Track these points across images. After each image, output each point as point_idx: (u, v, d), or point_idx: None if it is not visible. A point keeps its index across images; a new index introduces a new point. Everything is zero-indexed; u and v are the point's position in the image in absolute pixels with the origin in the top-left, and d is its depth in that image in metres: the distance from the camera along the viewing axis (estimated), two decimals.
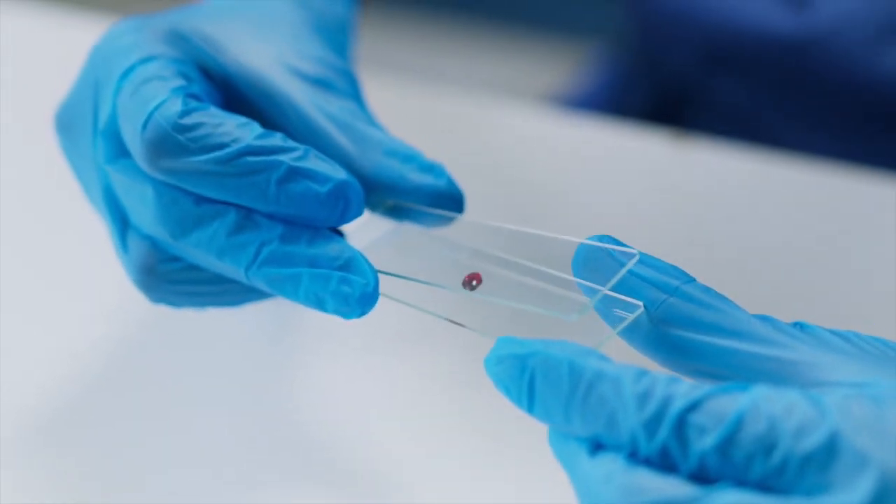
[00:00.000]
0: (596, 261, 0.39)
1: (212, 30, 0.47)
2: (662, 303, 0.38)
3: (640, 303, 0.38)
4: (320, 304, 0.41)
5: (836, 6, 0.75)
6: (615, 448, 0.34)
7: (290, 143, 0.42)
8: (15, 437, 0.55)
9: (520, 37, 1.84)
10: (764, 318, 0.38)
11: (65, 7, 0.91)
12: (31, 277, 0.63)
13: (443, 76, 1.77)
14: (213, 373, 0.58)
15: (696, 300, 0.38)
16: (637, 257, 0.39)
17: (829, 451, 0.33)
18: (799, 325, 0.38)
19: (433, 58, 1.83)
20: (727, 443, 0.33)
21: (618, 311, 0.39)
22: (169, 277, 0.44)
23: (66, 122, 0.47)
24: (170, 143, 0.42)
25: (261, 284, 0.42)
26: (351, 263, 0.41)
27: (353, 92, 0.47)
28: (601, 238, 0.40)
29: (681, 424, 0.34)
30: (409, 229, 0.45)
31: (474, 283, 0.42)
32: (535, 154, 0.70)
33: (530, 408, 0.36)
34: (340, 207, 0.42)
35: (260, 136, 0.42)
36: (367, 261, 0.42)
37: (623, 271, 0.39)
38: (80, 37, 0.79)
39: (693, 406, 0.34)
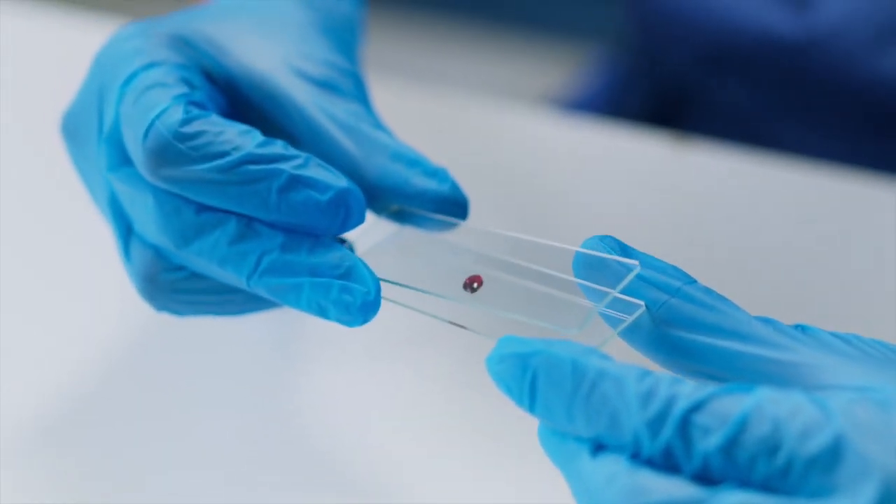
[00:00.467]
0: (597, 263, 0.39)
1: (216, 32, 0.46)
2: (664, 304, 0.38)
3: (642, 303, 0.38)
4: (323, 313, 0.41)
5: (836, 8, 0.75)
6: (617, 448, 0.34)
7: (292, 151, 0.42)
8: (16, 437, 0.55)
9: (519, 39, 1.84)
10: (765, 321, 0.38)
11: (65, 8, 0.91)
12: (32, 278, 0.63)
13: (442, 78, 1.77)
14: (216, 375, 0.58)
15: (697, 301, 0.38)
16: (637, 269, 0.39)
17: (833, 454, 0.33)
18: (800, 328, 0.38)
19: (432, 59, 1.83)
20: (731, 444, 0.33)
21: (619, 311, 0.39)
22: (172, 286, 0.44)
23: (72, 129, 0.47)
24: (171, 152, 0.42)
25: (263, 293, 0.42)
26: (352, 272, 0.41)
27: (359, 94, 0.47)
28: (603, 239, 0.40)
29: (685, 425, 0.33)
30: (412, 232, 0.45)
31: (475, 285, 0.42)
32: (534, 156, 0.70)
33: (532, 407, 0.36)
34: (341, 216, 0.42)
35: (261, 145, 0.42)
36: (368, 269, 0.41)
37: (623, 284, 0.39)
38: (81, 37, 0.79)
39: (697, 406, 0.34)
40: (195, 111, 0.42)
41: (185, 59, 0.45)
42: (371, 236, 0.45)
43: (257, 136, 0.42)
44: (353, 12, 0.51)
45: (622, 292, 0.39)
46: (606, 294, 0.39)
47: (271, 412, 0.56)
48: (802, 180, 0.68)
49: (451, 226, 0.44)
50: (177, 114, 0.42)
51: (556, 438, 0.36)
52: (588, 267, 0.40)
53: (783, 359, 0.37)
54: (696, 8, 0.80)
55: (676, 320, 0.38)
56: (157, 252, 0.44)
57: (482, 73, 1.80)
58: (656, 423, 0.34)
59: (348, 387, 0.57)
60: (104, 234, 0.58)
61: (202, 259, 0.42)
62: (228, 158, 0.41)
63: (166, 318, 0.58)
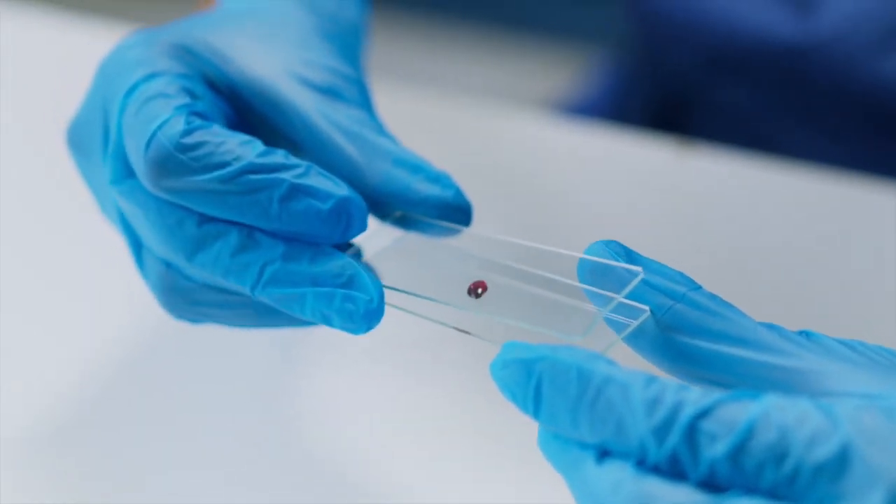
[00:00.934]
0: (602, 270, 0.39)
1: (218, 40, 0.46)
2: (668, 309, 0.38)
3: (647, 308, 0.38)
4: (327, 321, 0.41)
5: (838, 11, 0.75)
6: (622, 455, 0.34)
7: (293, 161, 0.42)
8: (16, 437, 0.55)
9: (521, 42, 1.84)
10: (770, 327, 0.38)
11: (65, 10, 0.91)
12: (32, 278, 0.63)
13: (445, 82, 1.77)
14: (217, 377, 0.58)
15: (702, 307, 0.38)
16: (641, 276, 0.39)
17: (840, 463, 0.32)
18: (805, 334, 0.38)
19: (435, 63, 1.83)
20: (738, 451, 0.33)
21: (623, 317, 0.39)
22: (188, 298, 0.44)
23: (78, 140, 0.47)
24: (172, 163, 0.42)
25: (268, 303, 0.42)
26: (354, 280, 0.41)
27: (362, 100, 0.46)
28: (609, 244, 0.39)
29: (691, 431, 0.33)
30: (416, 237, 0.45)
31: (479, 290, 0.42)
32: (537, 160, 0.70)
33: (536, 413, 0.36)
34: (343, 224, 0.42)
35: (262, 154, 0.42)
36: (370, 276, 0.41)
37: (627, 290, 0.38)
38: (81, 39, 0.79)
39: (704, 413, 0.33)
40: (197, 122, 0.42)
41: (188, 68, 0.45)
42: (376, 241, 0.45)
43: (258, 146, 0.42)
44: (358, 17, 0.51)
45: (627, 298, 0.39)
46: (611, 300, 0.39)
47: (272, 414, 0.56)
48: (804, 183, 0.68)
49: (455, 232, 0.44)
50: (178, 124, 0.42)
51: (558, 444, 0.36)
52: (593, 273, 0.39)
53: (788, 365, 0.37)
54: (698, 11, 0.80)
55: (681, 326, 0.38)
56: (169, 264, 0.44)
57: (485, 77, 1.80)
58: (662, 430, 0.34)
59: (350, 390, 0.57)
60: (104, 234, 0.58)
61: (206, 272, 0.42)
62: (229, 168, 0.41)
63: (167, 320, 0.58)
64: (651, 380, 0.34)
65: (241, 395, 0.57)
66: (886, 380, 0.36)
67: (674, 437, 0.33)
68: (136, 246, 0.45)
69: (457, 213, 0.44)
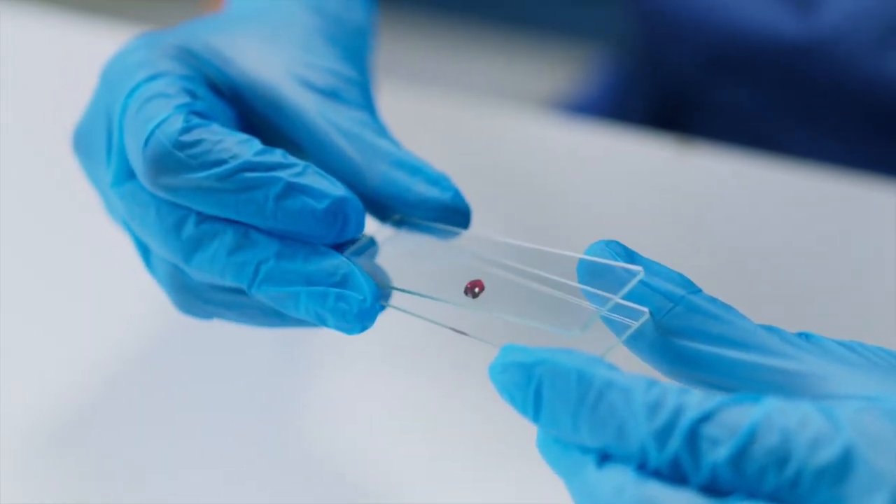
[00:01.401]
0: (601, 270, 0.39)
1: (220, 43, 0.46)
2: (668, 312, 0.38)
3: (646, 309, 0.38)
4: (322, 321, 0.42)
5: (839, 9, 0.75)
6: (624, 459, 0.34)
7: (290, 160, 0.42)
8: (16, 437, 0.55)
9: (522, 41, 1.84)
10: (769, 329, 0.38)
11: (65, 8, 0.91)
12: (32, 278, 0.63)
13: (445, 80, 1.77)
14: (218, 377, 0.58)
15: (702, 310, 0.38)
16: (641, 275, 0.38)
17: (843, 466, 0.32)
18: (804, 336, 0.38)
19: (434, 62, 1.83)
20: (740, 455, 0.33)
21: (623, 318, 0.39)
22: (200, 295, 0.44)
23: (83, 145, 0.47)
24: (170, 161, 0.42)
25: (265, 301, 0.42)
26: (348, 279, 0.41)
27: (364, 102, 0.46)
28: (609, 244, 0.39)
29: (693, 436, 0.33)
30: (413, 237, 0.45)
31: (476, 290, 0.42)
32: (537, 159, 0.70)
33: (536, 416, 0.35)
34: (339, 224, 0.42)
35: (259, 153, 0.42)
36: (364, 276, 0.41)
37: (626, 289, 0.38)
38: (80, 40, 0.79)
39: (705, 417, 0.33)
40: (195, 120, 0.43)
41: (189, 69, 0.45)
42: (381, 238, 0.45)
43: (256, 145, 0.42)
44: (364, 19, 0.51)
45: (626, 298, 0.39)
46: (609, 299, 0.38)
47: (272, 414, 0.56)
48: (805, 182, 0.68)
49: (454, 234, 0.44)
50: (177, 123, 0.42)
51: (558, 448, 0.35)
52: (592, 273, 0.39)
53: (788, 368, 0.37)
54: (699, 9, 0.80)
55: (680, 329, 0.38)
56: (175, 264, 0.44)
57: (485, 76, 1.80)
58: (664, 434, 0.33)
59: (350, 390, 0.57)
60: (105, 234, 0.58)
61: (205, 271, 0.43)
62: (226, 166, 0.42)
63: (168, 319, 0.58)
64: (652, 383, 0.34)
65: (241, 395, 0.57)
66: (886, 381, 0.36)
67: (675, 442, 0.33)
68: (144, 248, 0.46)
69: (455, 215, 0.44)
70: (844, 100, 0.77)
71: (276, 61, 0.46)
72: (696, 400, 0.34)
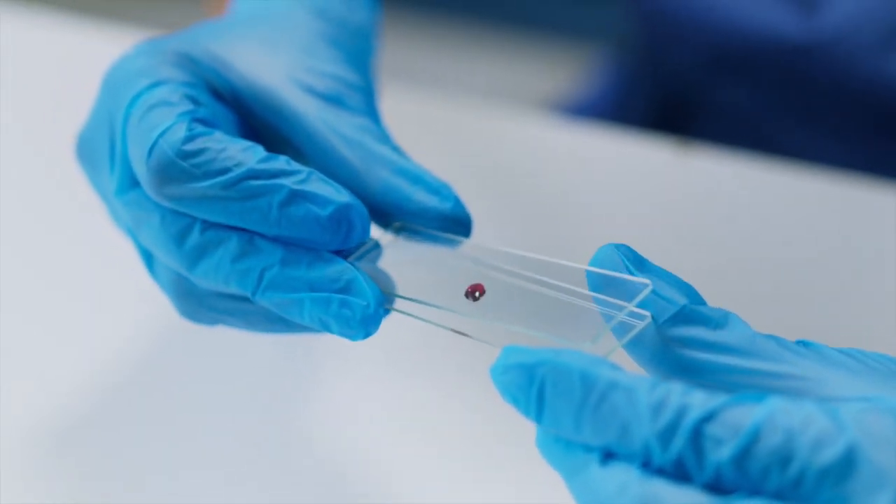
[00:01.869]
0: (608, 281, 0.39)
1: (221, 48, 0.46)
2: (669, 319, 0.38)
3: (648, 313, 0.38)
4: (326, 327, 0.42)
5: (841, 10, 0.75)
6: (627, 458, 0.34)
7: (295, 167, 0.42)
8: (17, 437, 0.55)
9: (521, 42, 1.84)
10: (768, 337, 0.38)
11: (65, 9, 0.91)
12: (32, 278, 0.63)
13: (445, 82, 1.77)
14: (218, 379, 0.58)
15: (702, 319, 0.38)
16: (649, 288, 0.39)
17: (847, 465, 0.33)
18: (803, 343, 0.38)
19: (433, 63, 1.83)
20: (743, 455, 0.33)
21: (624, 319, 0.39)
22: (204, 302, 0.45)
23: (86, 153, 0.47)
24: (174, 170, 0.42)
25: (270, 308, 0.42)
26: (351, 286, 0.41)
27: (366, 107, 0.46)
28: (619, 247, 0.39)
29: (696, 435, 0.33)
30: (415, 241, 0.45)
31: (477, 293, 0.42)
32: (538, 161, 0.70)
33: (539, 417, 0.35)
34: (343, 230, 0.42)
35: (263, 160, 0.42)
36: (368, 281, 0.41)
37: (635, 301, 0.38)
38: (80, 41, 0.79)
39: (709, 417, 0.33)
40: (199, 128, 0.43)
41: (191, 76, 0.45)
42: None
43: (259, 152, 0.42)
44: (368, 21, 0.51)
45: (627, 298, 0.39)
46: (617, 309, 0.38)
47: (273, 415, 0.56)
48: (806, 184, 0.68)
49: (455, 243, 0.44)
50: (180, 131, 0.42)
51: (559, 447, 0.36)
52: (602, 282, 0.39)
53: (787, 373, 0.37)
54: (701, 10, 0.79)
55: (680, 337, 0.38)
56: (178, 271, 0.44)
57: (485, 77, 1.80)
58: (667, 434, 0.34)
59: (350, 391, 0.57)
60: (105, 235, 0.58)
61: (210, 279, 0.43)
62: (230, 174, 0.42)
63: (169, 320, 0.58)
64: (655, 383, 0.34)
65: (242, 396, 0.57)
66: (885, 384, 0.36)
67: (679, 441, 0.33)
68: (147, 255, 0.46)
69: (455, 225, 0.44)
70: (846, 101, 0.77)
71: (278, 66, 0.46)
72: (700, 399, 0.34)
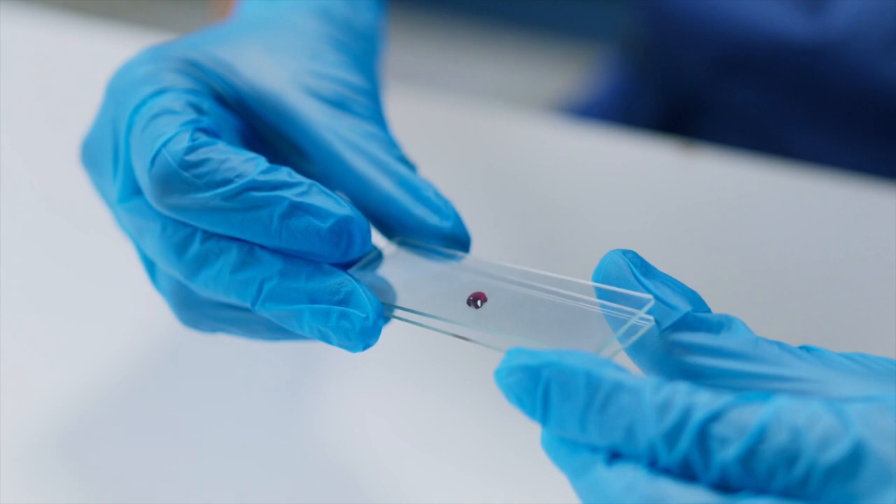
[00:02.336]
0: (611, 295, 0.39)
1: (226, 53, 0.47)
2: (672, 325, 0.38)
3: (651, 317, 0.38)
4: (325, 339, 0.42)
5: (850, 11, 0.75)
6: (633, 458, 0.34)
7: (296, 178, 0.42)
8: (18, 439, 0.54)
9: (526, 43, 1.84)
10: (771, 342, 0.38)
11: (64, 10, 0.91)
12: (35, 281, 0.63)
13: (448, 83, 1.77)
14: (221, 379, 0.58)
15: (705, 326, 0.38)
16: (651, 303, 0.38)
17: (854, 462, 0.33)
18: (805, 349, 0.38)
19: (438, 65, 1.83)
20: (750, 454, 0.33)
21: (627, 326, 0.39)
22: (204, 312, 0.45)
23: (91, 159, 0.47)
24: (176, 180, 0.42)
25: (270, 318, 0.42)
26: (350, 297, 0.41)
27: (372, 112, 0.46)
28: (626, 253, 0.39)
29: (702, 435, 0.33)
30: (417, 253, 0.45)
31: (479, 301, 0.42)
32: (543, 163, 0.70)
33: (544, 419, 0.35)
34: (343, 244, 0.42)
35: (265, 171, 0.42)
36: (367, 293, 0.41)
37: (634, 318, 0.38)
38: (80, 41, 0.79)
39: (715, 416, 0.34)
40: (202, 139, 0.43)
41: (195, 83, 0.45)
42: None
43: (262, 163, 0.42)
44: (373, 23, 0.51)
45: (629, 301, 0.39)
46: (622, 318, 0.38)
47: (275, 419, 0.56)
48: (814, 186, 0.68)
49: (457, 257, 0.44)
50: (183, 141, 0.42)
51: (565, 448, 0.36)
52: (603, 297, 0.39)
53: (791, 375, 0.37)
54: (709, 11, 0.79)
55: (683, 343, 0.38)
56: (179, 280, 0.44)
57: (490, 79, 1.80)
58: (674, 434, 0.34)
59: (351, 393, 0.57)
60: (109, 236, 0.58)
61: (209, 289, 0.43)
62: (232, 185, 0.42)
63: (171, 327, 0.58)
64: (661, 384, 0.34)
65: (243, 402, 0.57)
66: (890, 385, 0.36)
67: (685, 441, 0.33)
68: (150, 263, 0.46)
69: (454, 243, 0.44)
70: (853, 102, 0.77)
71: (282, 71, 0.46)
72: (706, 399, 0.34)
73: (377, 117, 0.47)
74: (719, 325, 0.38)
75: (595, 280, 0.40)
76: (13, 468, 0.53)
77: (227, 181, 0.42)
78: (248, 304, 0.42)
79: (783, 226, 0.66)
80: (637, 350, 0.39)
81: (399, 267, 0.44)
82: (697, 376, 0.38)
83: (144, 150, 0.43)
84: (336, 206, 0.42)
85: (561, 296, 0.41)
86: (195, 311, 0.45)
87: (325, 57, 0.47)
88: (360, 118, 0.46)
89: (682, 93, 0.86)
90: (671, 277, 0.39)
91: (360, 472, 0.54)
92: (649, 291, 0.39)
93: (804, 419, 0.33)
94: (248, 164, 0.42)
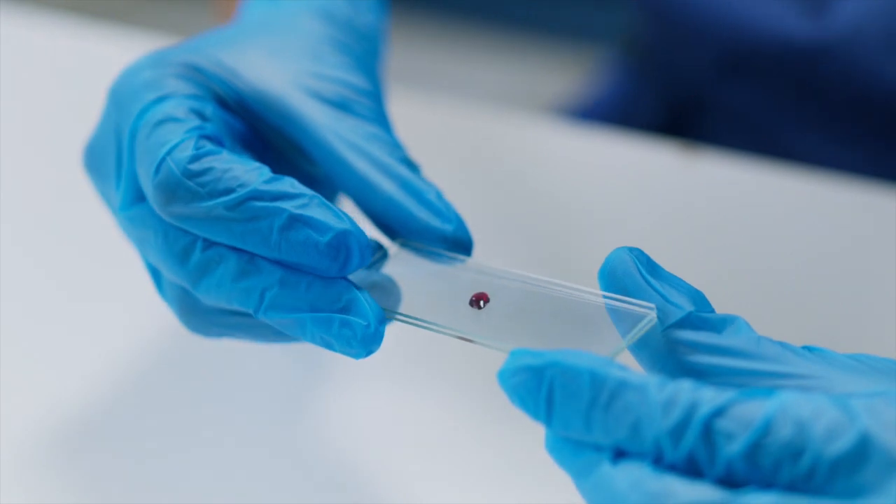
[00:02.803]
0: (622, 279, 0.39)
1: (228, 56, 0.47)
2: (673, 323, 0.38)
3: (654, 316, 0.38)
4: (328, 346, 0.42)
5: (853, 13, 0.75)
6: (639, 456, 0.34)
7: (299, 189, 0.42)
8: (19, 441, 0.54)
9: (527, 45, 1.84)
10: (773, 342, 0.38)
11: (64, 12, 0.91)
12: (39, 280, 0.63)
13: (449, 85, 1.77)
14: (222, 380, 0.58)
15: (708, 325, 0.38)
16: (653, 314, 0.38)
17: (860, 454, 0.33)
18: (808, 349, 0.38)
19: (439, 67, 1.83)
20: (755, 448, 0.33)
21: (630, 325, 0.39)
22: (209, 319, 0.45)
23: (94, 165, 0.47)
24: (180, 189, 0.42)
25: (272, 325, 0.42)
26: (351, 305, 0.41)
27: (376, 113, 0.46)
28: (632, 251, 0.39)
29: (707, 431, 0.33)
30: (420, 256, 0.45)
31: (482, 302, 0.42)
32: (543, 165, 0.70)
33: (548, 419, 0.35)
34: (342, 258, 0.41)
35: (268, 181, 0.42)
36: (368, 300, 0.42)
37: (637, 330, 0.38)
38: (79, 42, 0.79)
39: (719, 411, 0.34)
40: (207, 147, 0.43)
41: (197, 87, 0.45)
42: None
43: (265, 173, 0.42)
44: (375, 23, 0.51)
45: (635, 305, 0.39)
46: (627, 326, 0.38)
47: (277, 420, 0.56)
48: (815, 188, 0.68)
49: (460, 260, 0.44)
50: (187, 150, 0.42)
51: (569, 447, 0.36)
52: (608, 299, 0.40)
53: (793, 373, 0.37)
54: (710, 12, 0.79)
55: (685, 341, 0.38)
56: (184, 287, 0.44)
57: (491, 80, 1.80)
58: (679, 430, 0.34)
59: (352, 394, 0.57)
60: (111, 238, 0.58)
61: (212, 297, 0.43)
62: (234, 195, 0.42)
63: (174, 327, 0.58)
64: (665, 381, 0.35)
65: (246, 403, 0.57)
66: (891, 381, 0.36)
67: (690, 437, 0.34)
68: (155, 271, 0.46)
69: (456, 247, 0.45)
70: (855, 104, 0.77)
71: (285, 73, 0.46)
72: (710, 395, 0.34)
73: (380, 118, 0.47)
74: (722, 323, 0.38)
75: (601, 275, 0.40)
76: (13, 468, 0.53)
77: (230, 190, 0.42)
78: (251, 312, 0.42)
79: (784, 227, 0.66)
80: (640, 348, 0.39)
81: (401, 269, 0.44)
82: (700, 374, 0.38)
83: (148, 159, 0.43)
84: (335, 219, 0.42)
85: (564, 300, 0.41)
86: (201, 318, 0.45)
87: (327, 59, 0.47)
88: (362, 119, 0.46)
89: (683, 94, 0.86)
90: (676, 277, 0.39)
91: (361, 471, 0.54)
92: (655, 290, 0.39)
93: (809, 412, 0.33)
94: (252, 174, 0.42)
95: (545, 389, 0.35)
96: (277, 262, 0.42)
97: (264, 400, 0.57)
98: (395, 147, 0.46)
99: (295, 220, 0.41)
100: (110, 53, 0.49)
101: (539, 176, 0.70)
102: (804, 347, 0.38)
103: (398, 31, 1.85)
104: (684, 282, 0.39)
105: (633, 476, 0.34)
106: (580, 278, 0.41)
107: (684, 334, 0.38)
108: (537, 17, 1.83)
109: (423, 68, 1.79)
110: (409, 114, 0.69)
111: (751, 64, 0.79)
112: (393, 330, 0.43)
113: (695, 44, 0.81)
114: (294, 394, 0.57)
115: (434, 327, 0.41)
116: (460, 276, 0.43)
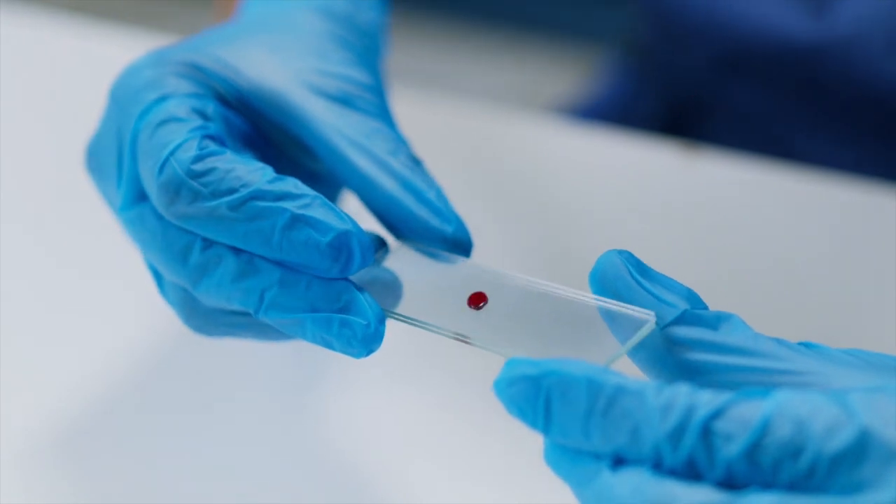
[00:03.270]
0: (613, 306, 0.39)
1: (228, 54, 0.46)
2: (669, 322, 0.38)
3: (652, 319, 0.38)
4: (328, 346, 0.42)
5: (854, 12, 0.75)
6: (638, 462, 0.34)
7: (301, 190, 0.42)
8: (20, 442, 0.54)
9: (528, 44, 1.83)
10: (770, 338, 0.38)
11: (63, 10, 0.91)
12: (39, 283, 0.63)
13: (449, 84, 1.77)
14: (222, 381, 0.58)
15: (704, 323, 0.38)
16: (652, 319, 0.38)
17: (859, 449, 0.33)
18: (804, 345, 0.38)
19: (439, 66, 1.83)
20: (754, 449, 0.33)
21: (627, 328, 0.39)
22: (212, 319, 0.45)
23: (96, 165, 0.47)
24: (183, 189, 0.42)
25: (273, 325, 0.42)
26: (351, 305, 0.41)
27: (378, 109, 0.46)
28: (621, 253, 0.39)
29: (706, 433, 0.33)
30: (420, 255, 0.45)
31: (481, 303, 0.42)
32: (544, 164, 0.70)
33: (547, 428, 0.35)
34: (343, 259, 0.41)
35: (271, 181, 0.42)
36: (368, 300, 0.41)
37: (637, 337, 0.38)
38: (79, 42, 0.79)
39: (717, 413, 0.34)
40: (210, 147, 0.43)
41: (198, 86, 0.45)
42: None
43: (268, 173, 0.42)
44: (376, 19, 0.51)
45: (632, 308, 0.39)
46: (626, 332, 0.38)
47: (278, 420, 0.56)
48: (816, 188, 0.68)
49: (459, 260, 0.44)
50: (190, 150, 0.42)
51: (568, 458, 0.35)
52: (604, 311, 0.39)
53: (790, 369, 0.37)
54: (711, 12, 0.79)
55: (682, 340, 0.38)
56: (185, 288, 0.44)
57: (491, 80, 1.80)
58: (677, 434, 0.34)
59: (353, 395, 0.57)
60: (113, 238, 0.58)
61: (212, 297, 0.43)
62: (237, 195, 0.42)
63: (176, 325, 0.58)
64: (662, 386, 0.34)
65: (246, 402, 0.57)
66: (888, 376, 0.36)
67: (689, 440, 0.33)
68: (157, 273, 0.46)
69: (456, 247, 0.44)
70: (856, 103, 0.77)
71: (286, 70, 0.46)
72: (707, 398, 0.34)
73: (383, 114, 0.46)
74: (717, 320, 0.38)
75: (592, 280, 0.39)
76: (13, 468, 0.53)
77: (233, 190, 0.42)
78: (251, 312, 0.42)
79: (785, 227, 0.66)
80: (636, 349, 0.39)
81: (401, 266, 0.44)
82: (697, 372, 0.38)
83: (152, 159, 0.43)
84: (337, 220, 0.41)
85: (563, 303, 0.41)
86: (202, 318, 0.45)
87: (328, 55, 0.47)
88: (365, 115, 0.46)
89: (683, 94, 0.86)
90: (668, 277, 0.39)
91: (361, 471, 0.54)
92: (647, 291, 0.39)
93: (807, 410, 0.33)
94: (255, 174, 0.42)
95: (542, 398, 0.35)
96: (279, 263, 0.42)
97: (264, 400, 0.57)
98: (399, 143, 0.45)
99: (297, 220, 0.41)
100: (111, 53, 0.49)
101: (539, 176, 0.70)
102: (800, 343, 0.38)
103: (399, 30, 1.85)
104: (676, 281, 0.39)
105: (633, 483, 0.34)
106: (580, 278, 0.41)
107: (680, 332, 0.38)
108: (538, 17, 1.83)
109: (423, 68, 1.79)
110: (410, 114, 0.69)
111: (751, 64, 0.79)
112: (392, 330, 0.42)
113: (695, 44, 0.81)
114: (294, 394, 0.57)
115: (431, 327, 0.41)
116: (459, 275, 0.43)
